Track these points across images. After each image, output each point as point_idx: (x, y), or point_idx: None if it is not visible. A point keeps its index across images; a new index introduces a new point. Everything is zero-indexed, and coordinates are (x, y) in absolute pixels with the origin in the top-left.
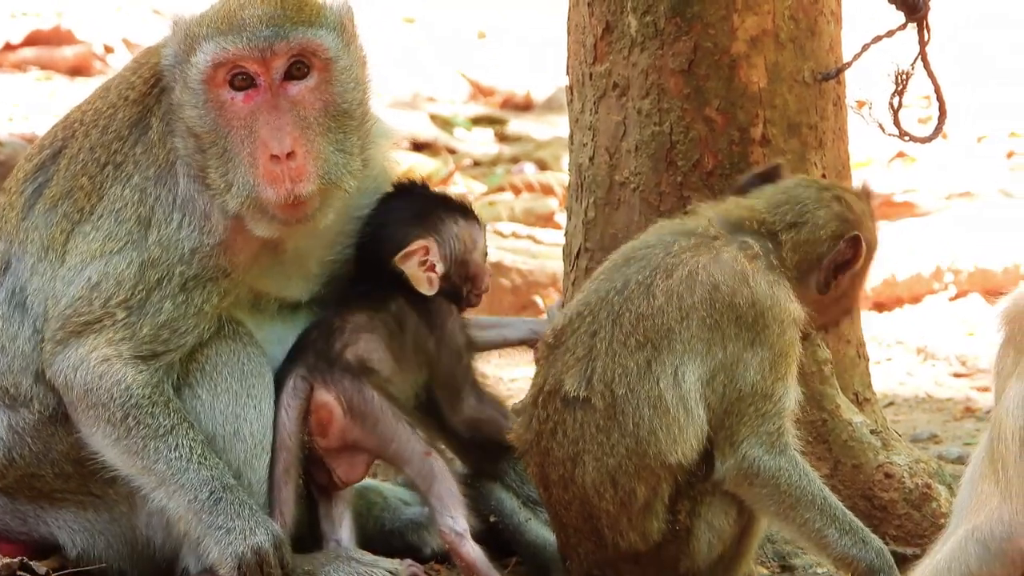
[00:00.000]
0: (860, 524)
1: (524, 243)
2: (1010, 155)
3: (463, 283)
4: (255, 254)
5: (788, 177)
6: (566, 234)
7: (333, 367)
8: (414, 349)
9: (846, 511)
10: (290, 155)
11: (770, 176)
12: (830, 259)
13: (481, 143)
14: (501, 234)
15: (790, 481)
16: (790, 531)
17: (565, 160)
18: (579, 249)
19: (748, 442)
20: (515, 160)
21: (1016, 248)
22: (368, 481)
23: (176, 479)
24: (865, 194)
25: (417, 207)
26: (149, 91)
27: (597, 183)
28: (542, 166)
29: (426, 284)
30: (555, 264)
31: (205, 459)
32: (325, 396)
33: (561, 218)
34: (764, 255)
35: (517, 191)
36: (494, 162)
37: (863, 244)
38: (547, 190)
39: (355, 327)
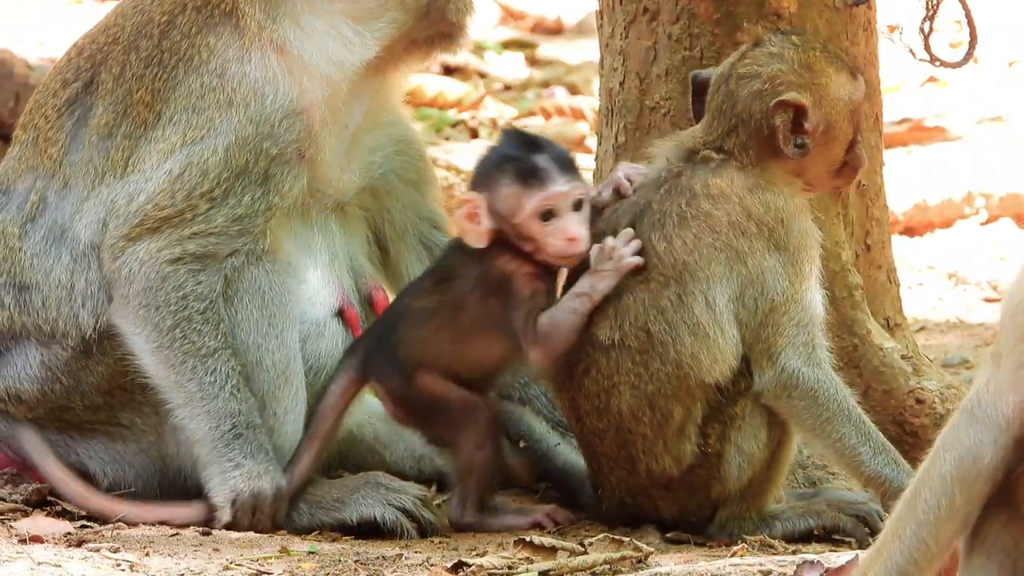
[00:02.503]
0: (891, 446)
1: None
2: None
3: (522, 242)
4: (336, 122)
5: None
6: (596, 158)
7: (386, 360)
8: (478, 324)
9: (878, 431)
10: None
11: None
12: (780, 135)
13: (511, 67)
14: None
15: (827, 394)
16: (825, 447)
17: (596, 84)
18: (609, 173)
19: (786, 353)
20: (545, 84)
21: None
22: None
23: (204, 404)
24: (801, 38)
25: (489, 161)
26: None
27: (628, 108)
28: (572, 90)
29: (472, 236)
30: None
31: (237, 391)
32: (377, 387)
33: (592, 142)
34: (730, 165)
35: (548, 115)
36: (524, 86)
37: (792, 104)
38: (577, 114)
39: (413, 318)
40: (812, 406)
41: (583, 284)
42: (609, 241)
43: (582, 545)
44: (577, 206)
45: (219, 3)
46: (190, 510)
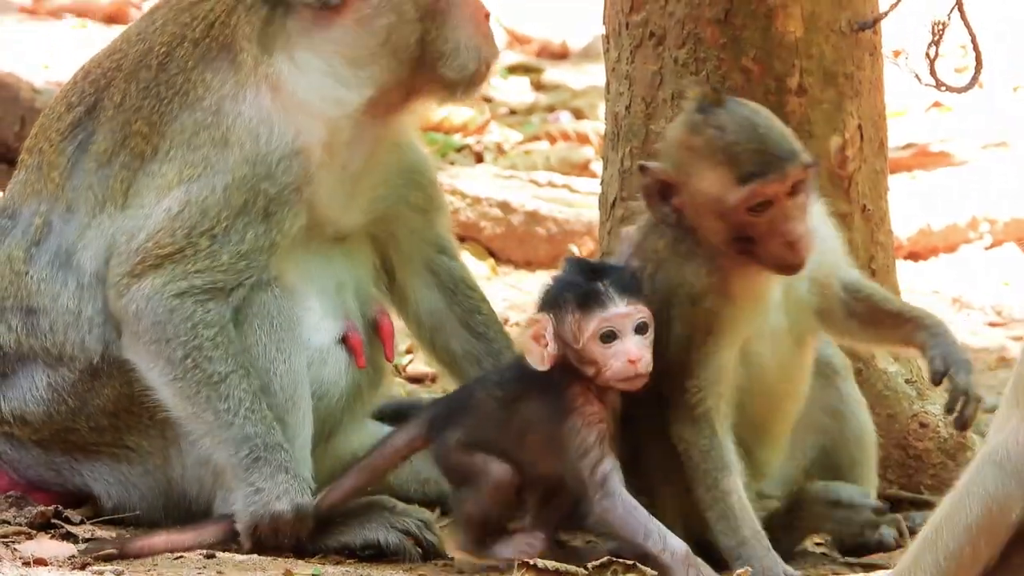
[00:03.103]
0: (740, 512)
1: (560, 192)
2: None
3: (584, 367)
4: (336, 163)
5: None
6: (602, 183)
7: (442, 433)
8: (545, 448)
9: (732, 496)
10: (490, 16)
11: None
12: (645, 198)
13: (517, 91)
14: (537, 183)
15: (698, 455)
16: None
17: (601, 109)
18: (615, 198)
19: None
20: (551, 109)
21: None
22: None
23: (222, 432)
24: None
25: (555, 285)
26: (228, 19)
27: (633, 132)
28: (578, 115)
29: (537, 358)
30: (591, 213)
31: (252, 413)
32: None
33: (597, 167)
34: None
35: (553, 140)
36: (530, 111)
37: (648, 170)
38: (583, 139)
39: (475, 405)
40: (685, 461)
41: None
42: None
43: (586, 569)
44: (640, 329)
45: (217, 36)
46: (214, 528)
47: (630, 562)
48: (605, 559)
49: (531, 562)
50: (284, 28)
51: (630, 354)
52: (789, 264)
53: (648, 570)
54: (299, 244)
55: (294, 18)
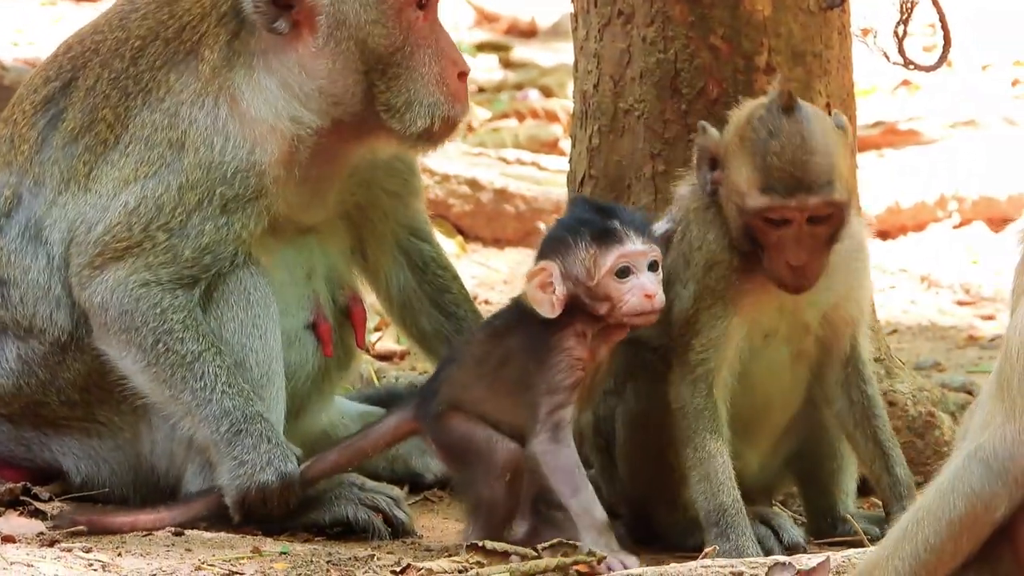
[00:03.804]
0: (724, 478)
1: (528, 170)
2: (1015, 83)
3: (598, 304)
4: (294, 178)
5: None
6: (570, 161)
7: (428, 399)
8: (517, 384)
9: (718, 460)
10: (466, 74)
11: None
12: (696, 161)
13: (485, 69)
14: (505, 161)
15: (690, 411)
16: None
17: (570, 87)
18: (583, 176)
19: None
20: (519, 87)
21: (1020, 176)
22: (371, 407)
23: (200, 410)
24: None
25: (561, 228)
26: (199, 25)
27: (601, 110)
28: (546, 93)
29: (547, 306)
30: (559, 191)
31: (230, 387)
32: (422, 431)
33: (565, 145)
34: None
35: (521, 117)
36: (498, 88)
37: (706, 134)
38: (551, 117)
39: (461, 361)
40: (678, 419)
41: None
42: None
43: (535, 550)
44: (652, 267)
45: (186, 40)
46: (202, 503)
47: (578, 543)
48: (555, 541)
49: (480, 544)
50: (248, 45)
51: (646, 289)
52: (786, 284)
53: (597, 551)
54: (268, 233)
55: (257, 38)
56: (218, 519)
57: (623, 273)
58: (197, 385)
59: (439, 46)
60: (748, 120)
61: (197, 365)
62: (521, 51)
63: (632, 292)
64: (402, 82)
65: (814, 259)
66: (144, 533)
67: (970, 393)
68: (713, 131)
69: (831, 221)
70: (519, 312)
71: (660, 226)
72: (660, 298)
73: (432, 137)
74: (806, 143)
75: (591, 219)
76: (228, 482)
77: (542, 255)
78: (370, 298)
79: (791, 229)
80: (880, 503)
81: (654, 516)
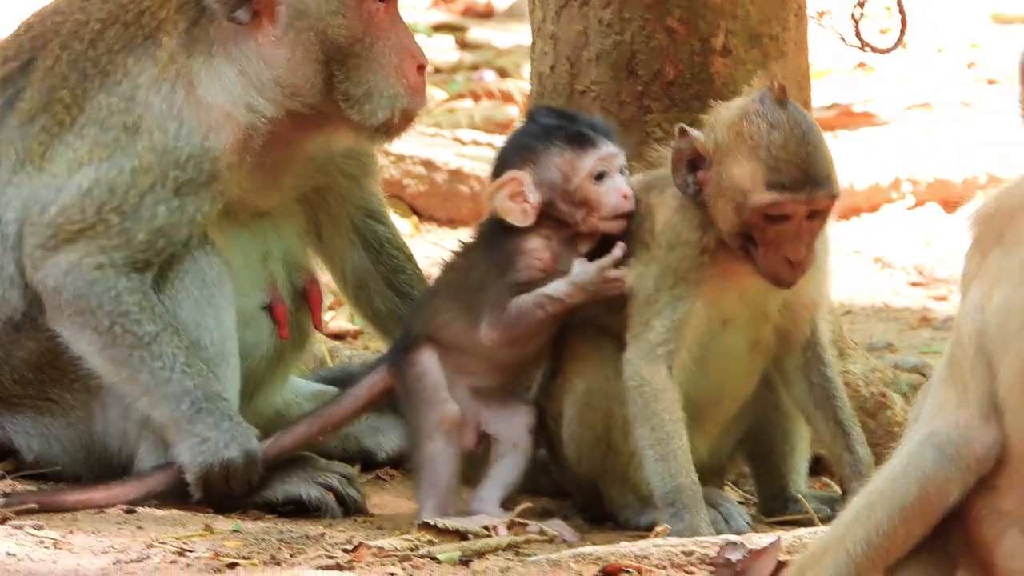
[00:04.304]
0: (682, 459)
1: (484, 151)
2: (970, 66)
3: (574, 210)
4: (247, 164)
5: None
6: None
7: (402, 347)
8: (479, 289)
9: (676, 441)
10: (425, 67)
11: None
12: (674, 163)
13: (442, 50)
14: (461, 141)
15: (648, 391)
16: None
17: (526, 68)
18: None
19: (631, 346)
20: (475, 68)
21: (975, 159)
22: (325, 386)
23: (159, 389)
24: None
25: (527, 135)
26: (158, 11)
27: (558, 92)
28: (503, 74)
29: (519, 215)
30: None
31: (189, 367)
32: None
33: None
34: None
35: (477, 98)
36: (455, 69)
37: (688, 136)
38: (507, 98)
39: (433, 286)
40: (635, 398)
41: (560, 287)
42: (598, 263)
43: (487, 529)
44: (623, 170)
45: (145, 25)
46: (160, 477)
47: (531, 522)
48: (506, 520)
49: (432, 522)
50: (207, 33)
51: (622, 189)
52: (780, 279)
53: (550, 531)
54: (223, 216)
55: (216, 26)
56: (173, 496)
57: (600, 177)
58: (156, 365)
59: (399, 38)
60: (743, 116)
61: (155, 345)
62: (477, 32)
63: (610, 193)
64: (362, 73)
65: (808, 252)
66: (96, 511)
67: (923, 374)
68: (695, 132)
69: (826, 214)
70: (483, 227)
71: None
72: (633, 199)
73: (391, 129)
74: (807, 137)
75: (560, 125)
76: (190, 459)
77: (506, 165)
78: (324, 278)
79: (791, 224)
80: (831, 483)
81: (605, 496)
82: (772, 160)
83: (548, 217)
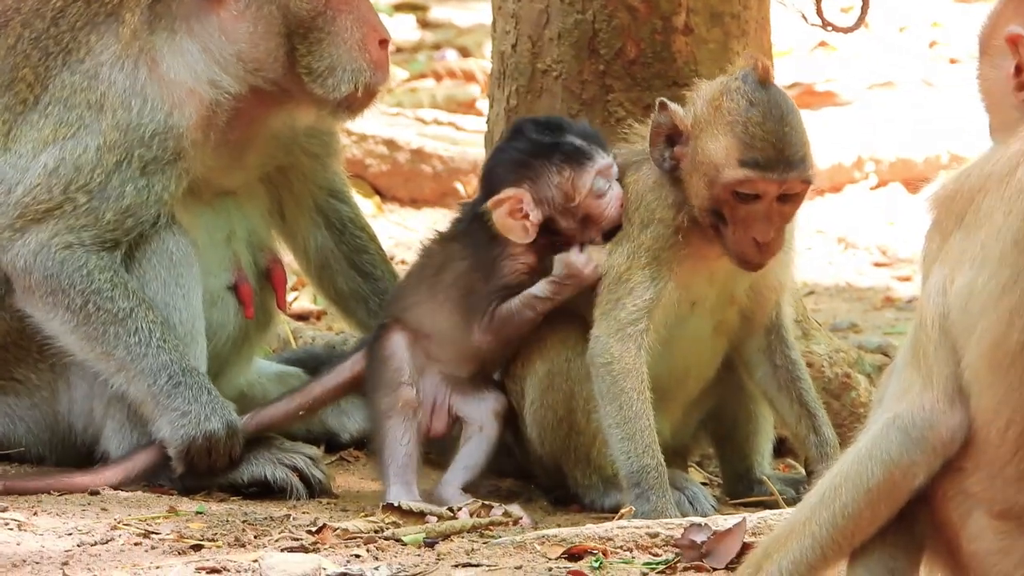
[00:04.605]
0: (649, 439)
1: (446, 130)
2: (932, 45)
3: (577, 225)
4: (211, 141)
5: None
6: (488, 121)
7: (375, 335)
8: (452, 288)
9: (643, 420)
10: (387, 42)
11: None
12: (652, 136)
13: (403, 29)
14: (423, 121)
15: (617, 369)
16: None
17: (487, 47)
18: (500, 137)
19: (599, 322)
20: (437, 47)
21: (937, 138)
22: (288, 367)
23: (136, 364)
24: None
25: (520, 152)
26: None
27: (519, 71)
28: (464, 53)
29: (520, 232)
30: (477, 151)
31: (164, 342)
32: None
33: (483, 105)
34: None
35: (439, 78)
36: (416, 48)
37: (667, 110)
38: (469, 77)
39: (408, 273)
40: (603, 375)
41: (546, 287)
42: (573, 256)
43: (451, 510)
44: (616, 175)
45: (107, 2)
46: (143, 456)
47: (495, 504)
48: (471, 501)
49: (396, 503)
50: (170, 9)
51: (621, 199)
52: (748, 260)
53: (515, 512)
54: (188, 195)
55: (179, 2)
56: (157, 475)
57: (600, 189)
58: (132, 340)
59: (361, 12)
60: (723, 92)
61: (130, 321)
62: (439, 11)
63: (611, 206)
64: (324, 47)
65: (778, 235)
66: (61, 494)
67: (887, 355)
68: (675, 106)
69: (798, 198)
70: (466, 221)
71: None
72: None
73: (353, 104)
74: (786, 119)
75: (554, 142)
76: (171, 433)
77: (502, 181)
78: (287, 258)
79: (761, 205)
80: (795, 465)
81: (569, 477)
82: (747, 137)
83: (545, 230)
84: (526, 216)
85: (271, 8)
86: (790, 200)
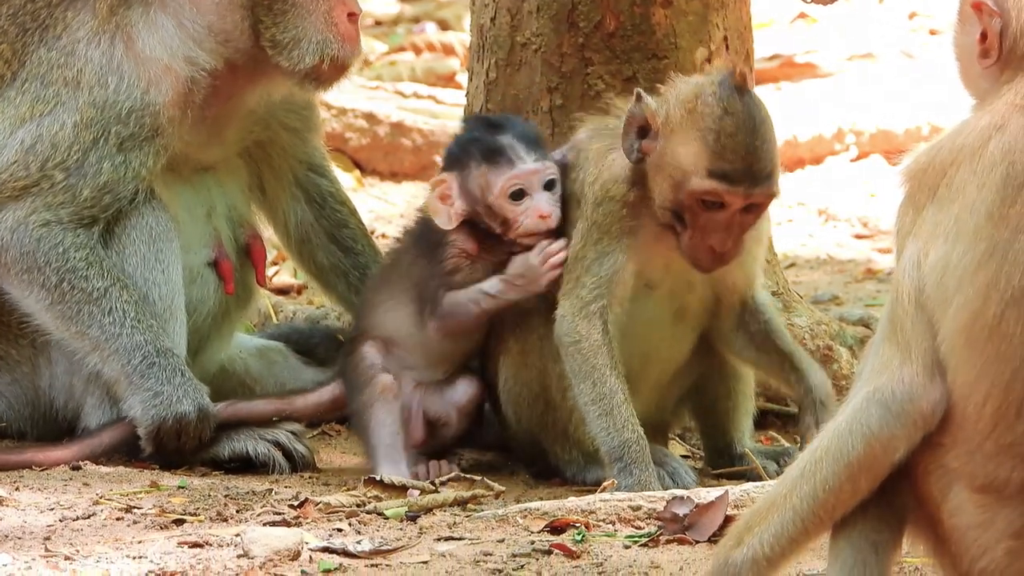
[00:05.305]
0: (627, 413)
1: (425, 103)
2: (912, 16)
3: (493, 223)
4: (189, 117)
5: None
6: (467, 95)
7: (345, 350)
8: (403, 280)
9: (618, 396)
10: (357, 16)
11: None
12: (625, 126)
13: (382, 2)
14: (402, 94)
15: (587, 347)
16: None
17: (467, 20)
18: (481, 110)
19: (563, 301)
20: (416, 20)
21: (917, 109)
22: (269, 342)
23: (110, 344)
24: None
25: (459, 143)
26: None
27: (499, 44)
28: (443, 26)
29: (444, 218)
30: (456, 124)
31: (139, 322)
32: None
33: (462, 78)
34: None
35: (418, 51)
36: (395, 21)
37: (642, 102)
38: (448, 50)
39: (368, 286)
40: (573, 354)
41: (494, 285)
42: (531, 258)
43: (433, 484)
44: (549, 185)
45: None
46: (110, 433)
47: (477, 478)
48: (453, 474)
49: (378, 477)
50: None
51: (541, 210)
52: (700, 265)
53: (496, 485)
54: (167, 171)
55: None
56: (124, 451)
57: (517, 195)
58: (106, 320)
59: None
60: (698, 95)
61: (104, 301)
62: None
63: (527, 215)
64: (289, 18)
65: (735, 244)
66: (42, 468)
67: (868, 327)
68: (649, 99)
69: (761, 209)
70: (417, 221)
71: (555, 155)
72: (555, 216)
73: (321, 76)
74: (757, 132)
75: (481, 137)
76: (142, 413)
77: (444, 166)
78: (267, 233)
79: (724, 213)
80: (777, 437)
81: (550, 452)
82: (719, 147)
83: (474, 225)
84: (452, 203)
85: None
86: (753, 210)
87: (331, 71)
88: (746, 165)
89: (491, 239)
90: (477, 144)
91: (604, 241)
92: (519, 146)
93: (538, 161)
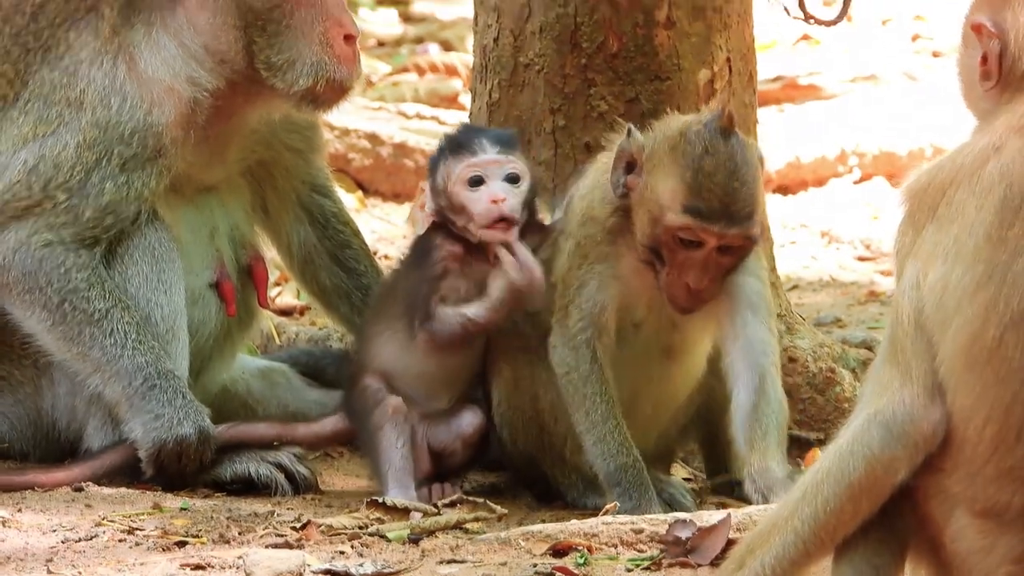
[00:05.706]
0: (620, 439)
1: (428, 124)
2: (915, 38)
3: (456, 217)
4: (191, 138)
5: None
6: (470, 116)
7: (347, 385)
8: (399, 297)
9: (611, 422)
10: (354, 38)
11: None
12: (615, 160)
13: (385, 23)
14: (405, 115)
15: (576, 377)
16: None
17: (470, 41)
18: None
19: (553, 330)
20: (419, 40)
21: (921, 131)
22: (272, 363)
23: (111, 366)
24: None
25: (437, 148)
26: None
27: (502, 65)
28: (446, 47)
29: (420, 223)
30: None
31: (141, 343)
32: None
33: (465, 99)
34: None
35: (421, 72)
36: (398, 42)
37: (632, 138)
38: (451, 71)
39: (365, 319)
40: (565, 385)
41: (479, 311)
42: (509, 273)
43: (435, 506)
44: (511, 179)
45: (92, 4)
46: (112, 455)
47: (479, 500)
48: (455, 497)
49: (381, 500)
50: (145, 2)
51: (494, 194)
52: (678, 304)
53: (498, 508)
54: (170, 192)
55: None
56: (125, 473)
57: (475, 183)
58: (107, 342)
59: (325, 7)
60: (682, 133)
61: (106, 322)
62: (421, 5)
63: (480, 200)
64: (283, 40)
65: (712, 284)
66: (45, 490)
67: (871, 349)
68: (638, 135)
69: (740, 252)
70: (408, 251)
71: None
72: (511, 206)
73: (318, 98)
74: (736, 175)
75: (451, 135)
76: (143, 436)
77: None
78: (270, 253)
79: (700, 252)
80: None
81: (549, 476)
82: (696, 185)
83: (448, 227)
84: (423, 206)
85: (228, 2)
86: (730, 252)
87: (328, 93)
88: (723, 205)
89: (473, 245)
90: (447, 140)
91: (585, 267)
92: (485, 140)
93: (502, 154)
